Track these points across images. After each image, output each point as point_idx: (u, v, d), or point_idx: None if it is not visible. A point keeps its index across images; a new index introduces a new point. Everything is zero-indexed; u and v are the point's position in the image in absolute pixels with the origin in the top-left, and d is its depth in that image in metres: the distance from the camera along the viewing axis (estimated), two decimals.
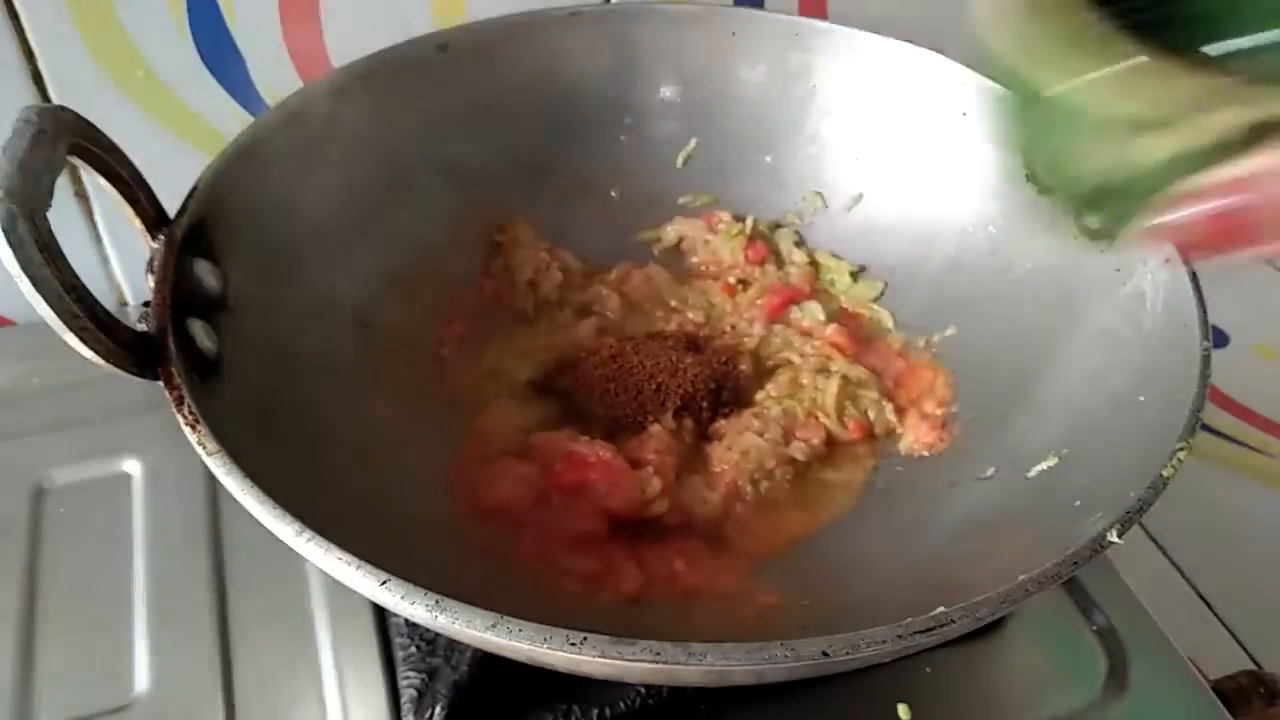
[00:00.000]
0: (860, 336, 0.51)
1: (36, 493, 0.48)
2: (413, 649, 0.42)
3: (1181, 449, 0.35)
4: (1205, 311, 0.40)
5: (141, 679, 0.42)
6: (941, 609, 0.29)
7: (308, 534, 0.30)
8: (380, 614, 0.45)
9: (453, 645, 0.42)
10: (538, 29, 0.54)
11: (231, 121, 0.54)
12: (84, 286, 0.33)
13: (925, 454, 0.47)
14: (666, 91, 0.56)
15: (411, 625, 0.43)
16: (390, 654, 0.43)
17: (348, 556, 0.29)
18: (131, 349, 0.34)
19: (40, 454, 0.50)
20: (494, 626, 0.28)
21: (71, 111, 0.36)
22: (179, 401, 0.34)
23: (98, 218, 0.55)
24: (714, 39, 0.55)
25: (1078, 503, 0.38)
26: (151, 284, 0.37)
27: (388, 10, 0.53)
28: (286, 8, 0.52)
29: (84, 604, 0.45)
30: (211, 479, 0.48)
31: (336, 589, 0.45)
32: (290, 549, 0.45)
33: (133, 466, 0.50)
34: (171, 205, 0.40)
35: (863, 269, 0.54)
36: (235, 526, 0.48)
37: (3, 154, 0.33)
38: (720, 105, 0.56)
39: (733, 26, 0.55)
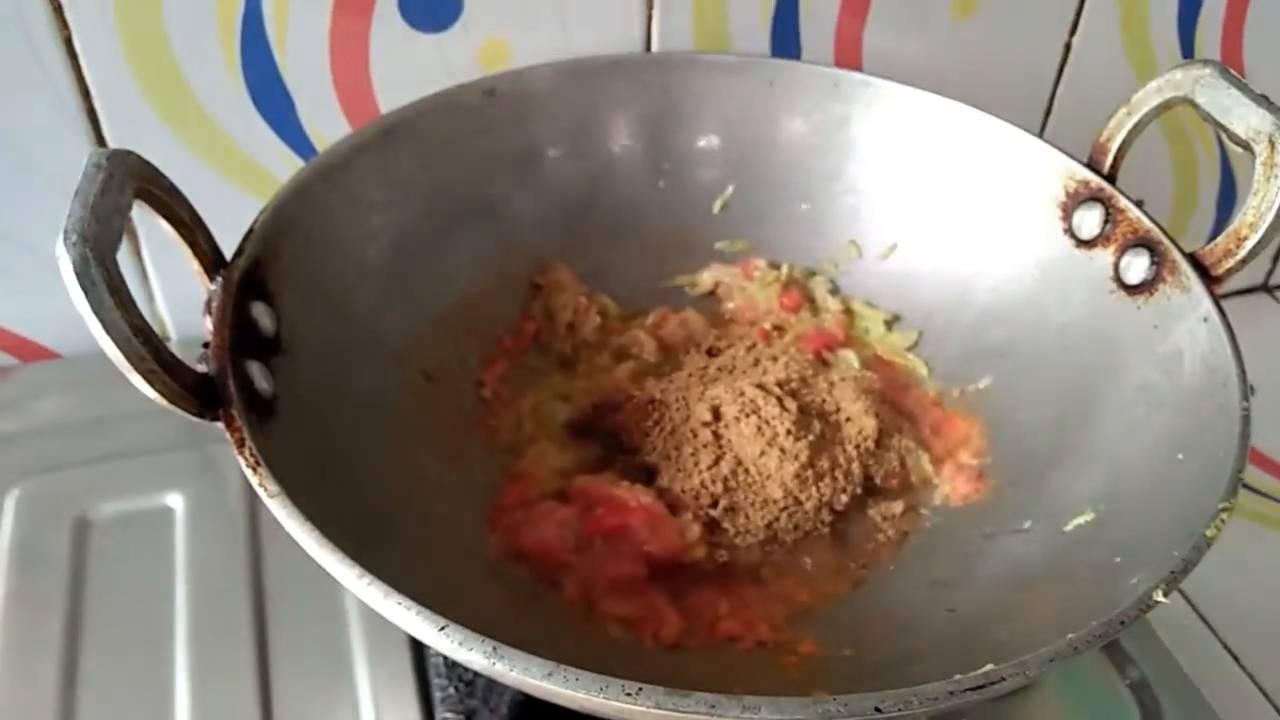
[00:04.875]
0: (896, 385, 0.52)
1: (80, 524, 0.49)
2: (451, 690, 0.43)
3: (1225, 509, 0.35)
4: (1244, 370, 0.40)
5: (182, 713, 0.43)
6: (991, 666, 0.30)
7: (368, 578, 0.30)
8: (419, 653, 0.45)
9: (491, 687, 0.42)
10: (581, 76, 0.55)
11: (278, 162, 0.55)
12: (150, 329, 0.33)
13: (961, 505, 0.47)
14: (705, 139, 0.57)
15: (450, 666, 0.43)
16: (428, 694, 0.43)
17: (407, 601, 0.30)
18: (193, 391, 0.35)
19: (84, 486, 0.50)
20: (550, 675, 0.28)
21: (137, 155, 0.37)
22: (240, 443, 0.34)
23: (144, 254, 0.56)
24: (753, 89, 0.56)
25: (1118, 559, 0.38)
26: (209, 325, 0.38)
27: (435, 56, 0.54)
28: (336, 51, 0.53)
29: (126, 636, 0.45)
30: (253, 515, 0.50)
31: (375, 627, 0.46)
32: (328, 587, 0.46)
33: (175, 501, 0.50)
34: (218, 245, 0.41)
35: (897, 318, 0.55)
36: (275, 563, 0.48)
37: (75, 198, 0.34)
38: (758, 154, 0.56)
39: (771, 77, 0.56)
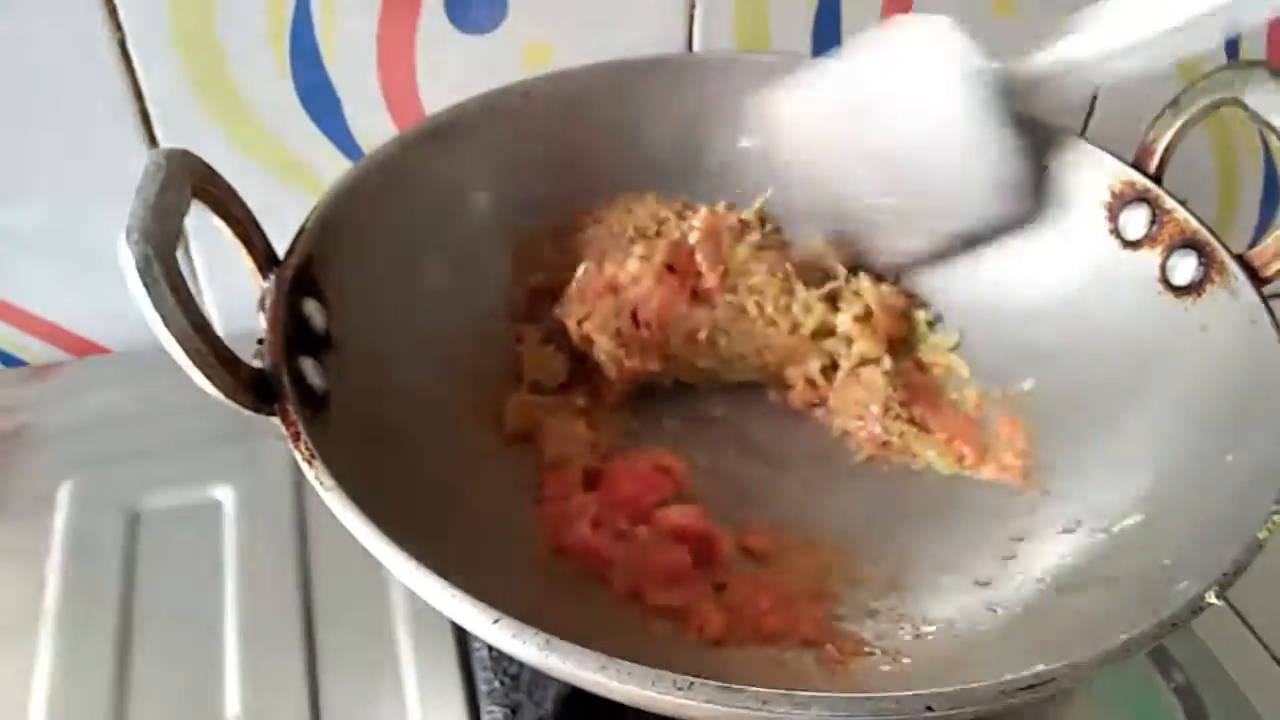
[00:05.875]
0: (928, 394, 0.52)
1: (131, 517, 0.50)
2: (496, 684, 0.43)
3: (1277, 512, 0.35)
4: None
5: (233, 703, 0.43)
6: (1043, 666, 0.30)
7: (425, 571, 0.31)
8: (464, 647, 0.45)
9: (536, 681, 0.43)
10: (619, 77, 0.55)
11: (326, 163, 0.56)
12: (209, 325, 0.34)
13: (1005, 505, 0.47)
14: (745, 140, 0.57)
15: (496, 660, 0.44)
16: (473, 688, 0.44)
17: (461, 594, 0.30)
18: (250, 386, 0.35)
19: (134, 479, 0.51)
20: (604, 668, 0.29)
21: (194, 155, 0.38)
22: (295, 437, 0.35)
23: (194, 254, 0.57)
24: None
25: (1166, 561, 0.38)
26: (263, 322, 0.39)
27: (479, 58, 0.55)
28: (383, 54, 0.54)
29: (177, 626, 0.46)
30: (300, 508, 0.51)
31: (422, 621, 0.47)
32: (375, 580, 0.46)
33: (224, 494, 0.51)
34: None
35: (939, 318, 0.54)
36: (322, 556, 0.49)
37: (136, 196, 0.35)
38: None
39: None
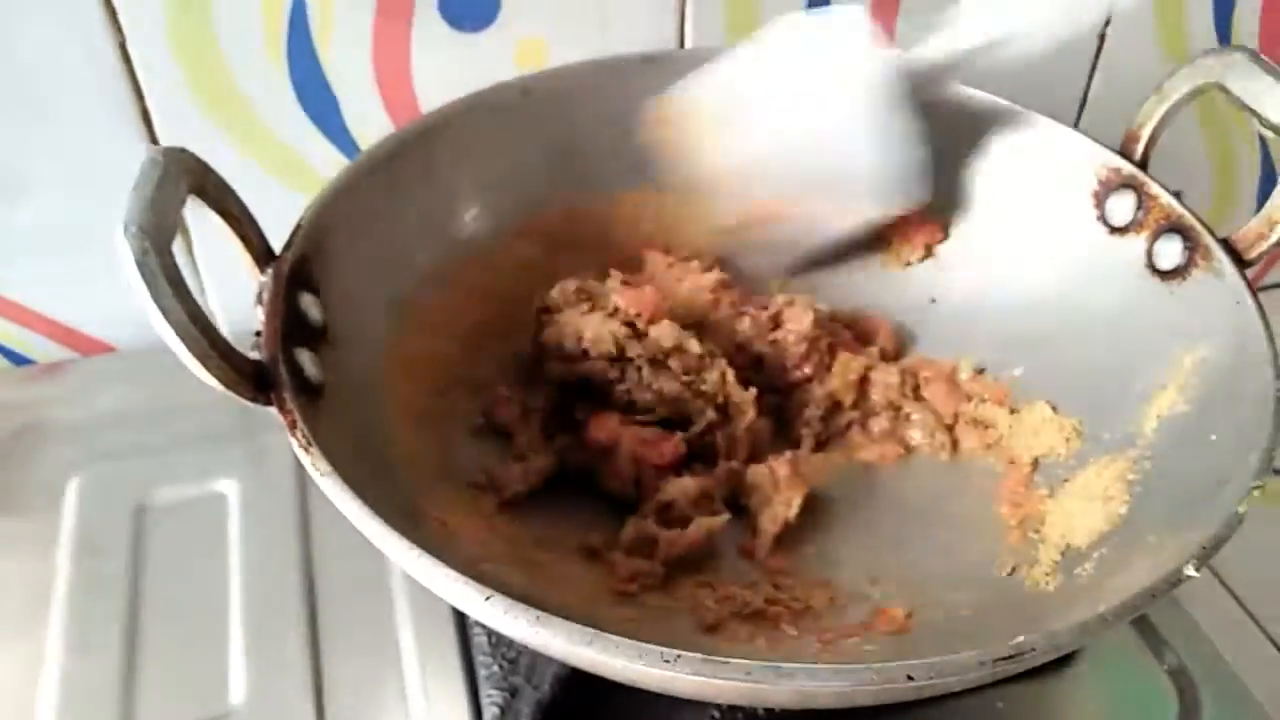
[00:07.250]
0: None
1: (138, 511, 0.51)
2: (495, 668, 0.44)
3: (1257, 487, 0.35)
4: (1276, 352, 0.40)
5: (238, 692, 0.44)
6: (1022, 638, 0.30)
7: (416, 550, 0.32)
8: (463, 633, 0.46)
9: (534, 665, 0.44)
10: (613, 73, 0.56)
11: (323, 160, 0.57)
12: (206, 317, 0.35)
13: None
14: None
15: (494, 645, 0.44)
16: (473, 673, 0.45)
17: (453, 573, 0.31)
18: (248, 376, 0.36)
19: (142, 474, 0.52)
20: (592, 643, 0.29)
21: (191, 153, 0.39)
22: (292, 426, 0.36)
23: (196, 251, 0.58)
24: None
25: (1151, 539, 0.38)
26: (260, 315, 0.40)
27: (474, 56, 0.56)
28: (379, 52, 0.55)
29: (183, 617, 0.47)
30: (303, 501, 0.52)
31: (422, 608, 0.47)
32: (376, 570, 0.47)
33: (229, 487, 0.52)
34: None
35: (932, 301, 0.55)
36: (324, 546, 0.50)
37: (132, 193, 0.36)
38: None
39: None
